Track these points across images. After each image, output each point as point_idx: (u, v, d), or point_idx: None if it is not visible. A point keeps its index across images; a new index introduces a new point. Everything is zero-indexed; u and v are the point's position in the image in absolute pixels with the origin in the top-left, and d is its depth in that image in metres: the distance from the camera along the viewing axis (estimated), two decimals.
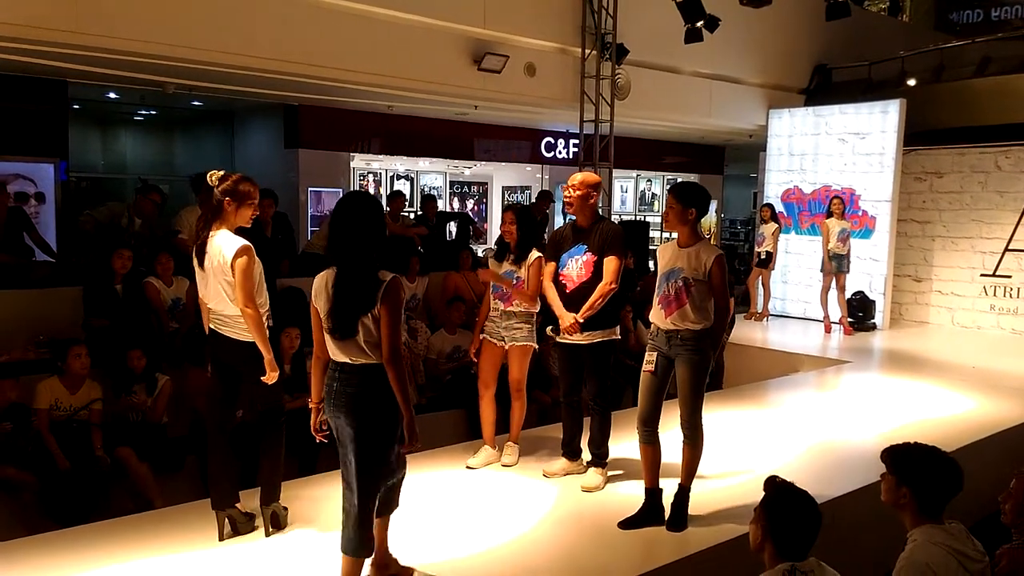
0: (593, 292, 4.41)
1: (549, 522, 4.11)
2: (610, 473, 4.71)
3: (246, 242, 3.66)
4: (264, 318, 3.66)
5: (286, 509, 3.95)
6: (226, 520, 3.78)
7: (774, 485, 2.73)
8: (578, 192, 4.49)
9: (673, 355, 3.96)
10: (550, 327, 4.59)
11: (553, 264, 4.61)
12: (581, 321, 4.40)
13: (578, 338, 4.46)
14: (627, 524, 4.00)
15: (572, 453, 4.78)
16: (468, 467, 4.84)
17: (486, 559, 3.62)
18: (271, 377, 3.68)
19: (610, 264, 4.42)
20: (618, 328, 4.63)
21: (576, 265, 4.50)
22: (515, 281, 4.80)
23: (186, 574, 3.46)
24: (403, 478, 3.32)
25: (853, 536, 4.25)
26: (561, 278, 4.55)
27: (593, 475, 4.60)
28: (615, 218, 12.80)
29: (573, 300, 4.47)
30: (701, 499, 4.19)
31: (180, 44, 7.13)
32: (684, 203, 3.92)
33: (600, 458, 4.63)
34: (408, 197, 12.28)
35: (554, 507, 4.30)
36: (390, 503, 3.30)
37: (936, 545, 2.69)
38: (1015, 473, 3.16)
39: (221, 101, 10.83)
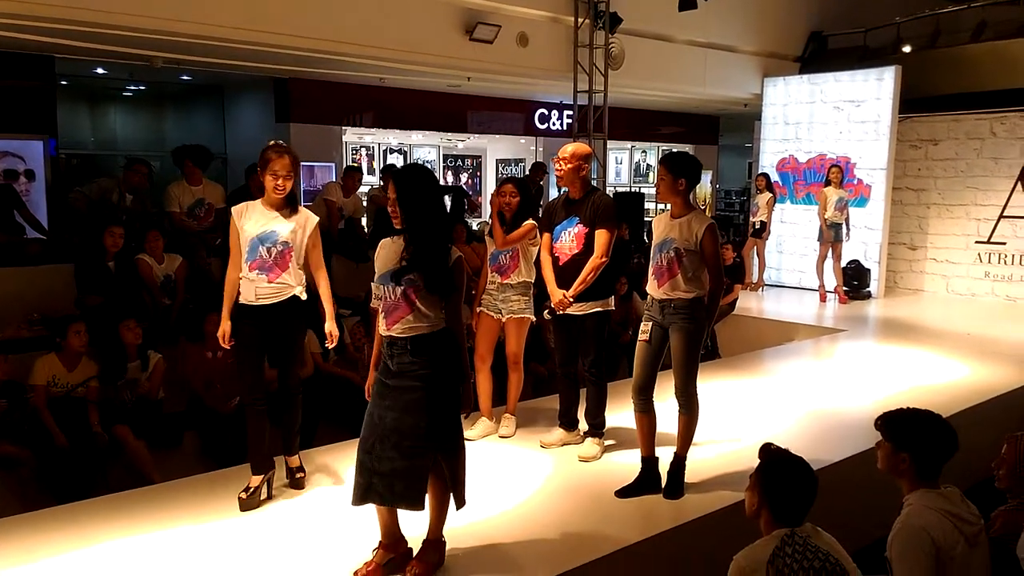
0: (585, 265, 4.38)
1: (546, 492, 4.13)
2: (607, 442, 4.74)
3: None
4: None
5: (303, 473, 4.11)
6: (266, 484, 3.94)
7: (769, 452, 2.75)
8: (569, 164, 4.43)
9: (667, 324, 3.96)
10: (546, 310, 4.55)
11: (548, 235, 4.58)
12: (571, 299, 4.39)
13: (572, 310, 4.44)
14: (624, 493, 4.03)
15: (569, 423, 4.80)
16: (465, 439, 4.84)
17: (484, 528, 3.64)
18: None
19: (601, 237, 4.38)
20: (612, 299, 4.62)
21: (568, 238, 4.46)
22: (510, 253, 4.77)
23: (185, 548, 3.48)
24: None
25: (849, 502, 4.28)
26: (554, 251, 4.52)
27: (590, 445, 4.62)
28: (609, 190, 12.75)
29: (566, 273, 4.45)
30: (697, 467, 4.21)
31: (168, 17, 7.02)
32: (674, 173, 3.91)
33: (597, 428, 4.65)
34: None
35: (551, 477, 4.33)
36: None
37: (932, 509, 2.71)
38: (1007, 438, 3.18)
39: (211, 75, 10.71)
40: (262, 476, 3.92)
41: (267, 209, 3.87)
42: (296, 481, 4.09)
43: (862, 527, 3.95)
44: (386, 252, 3.22)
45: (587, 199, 4.46)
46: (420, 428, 3.06)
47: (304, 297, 3.91)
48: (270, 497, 3.97)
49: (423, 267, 3.08)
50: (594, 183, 11.27)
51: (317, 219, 3.98)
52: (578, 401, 4.76)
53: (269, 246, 3.81)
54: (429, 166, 13.66)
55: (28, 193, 8.59)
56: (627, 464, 4.30)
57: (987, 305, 10.19)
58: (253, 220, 3.86)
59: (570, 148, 4.48)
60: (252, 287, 3.82)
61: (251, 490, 3.87)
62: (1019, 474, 3.11)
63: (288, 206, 3.89)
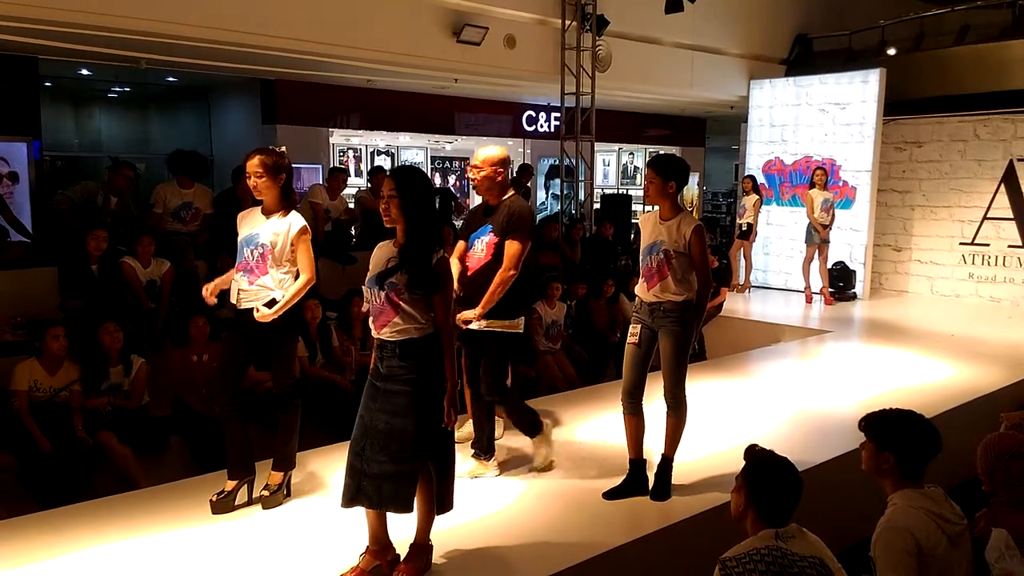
0: (495, 276, 4.05)
1: (534, 494, 4.13)
2: (595, 443, 4.74)
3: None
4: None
5: (268, 492, 3.94)
6: (245, 488, 3.91)
7: (754, 453, 2.76)
8: (482, 172, 4.09)
9: (656, 327, 3.97)
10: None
11: (463, 244, 4.29)
12: (472, 321, 4.05)
13: (474, 324, 4.08)
14: (612, 495, 4.03)
15: (482, 451, 4.40)
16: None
17: (471, 531, 3.64)
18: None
19: (510, 248, 4.02)
20: (521, 322, 4.22)
21: (480, 246, 4.15)
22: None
23: (171, 552, 3.45)
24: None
25: (834, 502, 4.30)
26: (466, 259, 4.22)
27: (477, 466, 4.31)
28: (597, 192, 12.76)
29: (473, 283, 4.14)
30: (684, 469, 4.23)
31: (152, 18, 6.99)
32: (664, 176, 3.92)
33: (484, 452, 4.34)
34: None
35: (539, 479, 4.33)
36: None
37: (915, 509, 2.73)
38: (979, 445, 3.18)
39: (196, 77, 10.65)
40: (236, 481, 3.89)
41: (259, 213, 3.89)
42: (262, 497, 3.91)
43: (847, 527, 3.97)
44: (379, 254, 3.25)
45: (501, 207, 4.12)
46: (408, 432, 3.07)
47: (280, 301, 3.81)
48: (250, 502, 3.92)
49: (406, 266, 3.10)
50: (584, 183, 11.32)
51: (303, 223, 3.86)
52: (489, 426, 4.40)
53: (252, 248, 3.83)
54: (418, 167, 13.69)
55: (11, 195, 8.49)
56: (615, 466, 4.30)
57: (971, 306, 10.28)
58: (246, 224, 3.89)
59: (482, 155, 4.14)
60: (236, 289, 3.85)
61: (223, 493, 3.86)
62: (994, 474, 3.13)
63: (280, 209, 3.86)
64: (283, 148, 3.93)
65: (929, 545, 2.66)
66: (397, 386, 3.10)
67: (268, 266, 3.79)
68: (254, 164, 3.79)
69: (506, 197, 4.13)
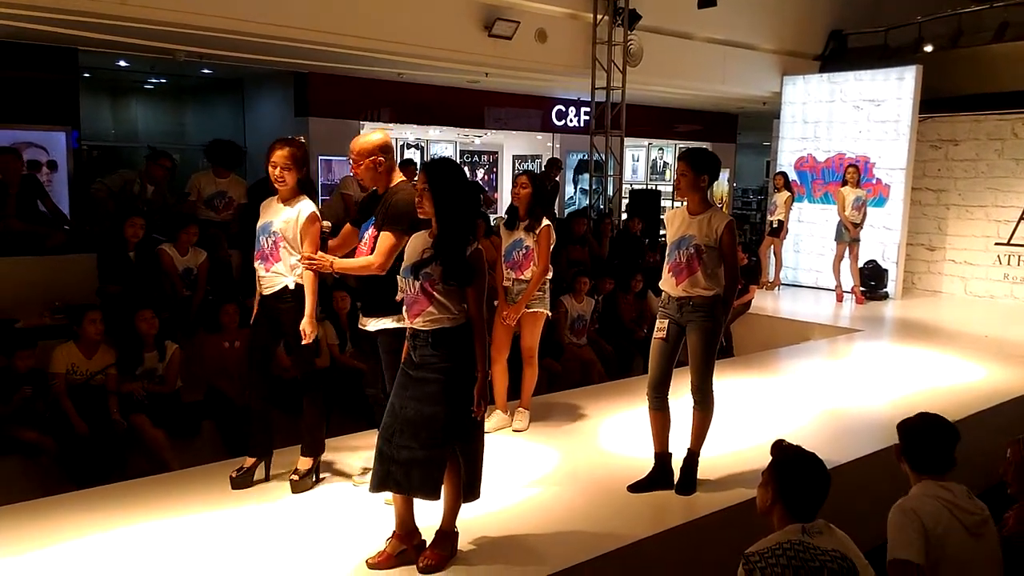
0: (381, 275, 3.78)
1: (559, 486, 4.15)
2: (620, 436, 4.73)
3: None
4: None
5: (297, 476, 4.01)
6: (262, 467, 4.06)
7: (782, 448, 2.76)
8: (359, 164, 3.80)
9: (685, 322, 3.97)
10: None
11: (355, 232, 4.05)
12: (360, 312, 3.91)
13: (367, 324, 3.88)
14: (636, 488, 4.04)
15: None
16: None
17: (497, 521, 3.67)
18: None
19: (381, 241, 3.71)
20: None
21: (366, 239, 3.90)
22: (524, 251, 4.81)
23: (200, 534, 3.53)
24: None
25: (862, 501, 4.27)
26: (357, 254, 3.97)
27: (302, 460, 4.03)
28: (625, 187, 12.73)
29: (360, 279, 3.94)
30: (710, 464, 4.22)
31: (190, 11, 7.10)
32: (697, 170, 3.91)
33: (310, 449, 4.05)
34: (418, 166, 12.26)
35: (564, 471, 4.35)
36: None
37: (928, 496, 2.82)
38: (1010, 443, 3.16)
39: (231, 69, 10.80)
40: (254, 459, 4.03)
41: (276, 202, 3.97)
42: (291, 481, 3.99)
43: (875, 526, 3.94)
44: (413, 245, 3.29)
45: (385, 197, 3.82)
46: (439, 420, 3.11)
47: (293, 287, 3.88)
48: (267, 479, 4.06)
49: (441, 257, 3.13)
50: (613, 178, 11.29)
51: (312, 210, 3.87)
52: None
53: (266, 236, 3.92)
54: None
55: (50, 184, 8.69)
56: (640, 459, 4.31)
57: (1005, 307, 10.11)
58: (266, 213, 3.99)
59: (356, 147, 3.82)
60: (257, 277, 3.98)
61: (242, 470, 4.01)
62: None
63: (294, 196, 3.92)
64: (302, 138, 3.97)
65: (938, 530, 2.72)
66: (429, 374, 3.14)
67: (280, 253, 3.87)
68: (283, 155, 3.84)
69: (392, 184, 3.83)
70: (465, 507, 3.32)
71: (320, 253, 3.79)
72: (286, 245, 3.86)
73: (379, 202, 3.82)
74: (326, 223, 3.93)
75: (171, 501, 3.84)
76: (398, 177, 3.87)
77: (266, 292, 3.94)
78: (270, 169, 3.88)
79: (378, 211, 3.78)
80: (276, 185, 3.91)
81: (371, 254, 3.75)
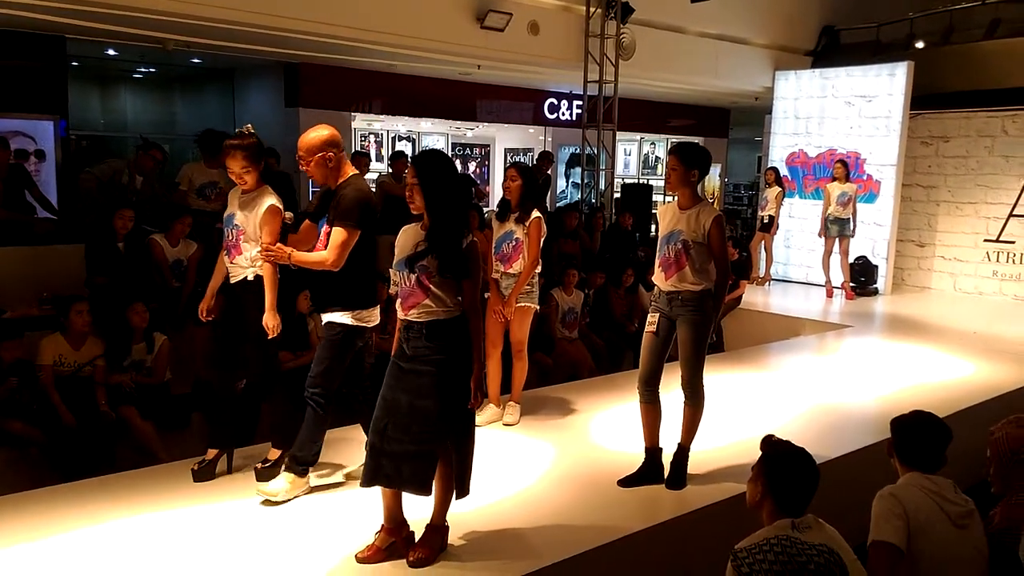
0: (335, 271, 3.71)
1: (549, 480, 4.16)
2: (611, 431, 4.74)
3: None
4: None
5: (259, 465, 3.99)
6: (224, 460, 4.04)
7: (771, 443, 2.77)
8: (308, 162, 3.71)
9: (675, 316, 3.97)
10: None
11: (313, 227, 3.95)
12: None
13: (324, 316, 3.81)
14: (627, 482, 4.05)
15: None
16: None
17: (487, 514, 3.67)
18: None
19: (333, 236, 3.63)
20: (371, 313, 3.80)
21: (322, 236, 3.79)
22: (514, 243, 4.79)
23: (190, 527, 3.51)
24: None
25: (851, 497, 4.29)
26: (316, 250, 3.84)
27: (282, 479, 3.80)
28: (617, 182, 12.72)
29: (313, 273, 3.81)
30: (700, 459, 4.23)
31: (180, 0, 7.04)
32: (687, 164, 3.91)
33: (298, 462, 3.80)
34: (410, 158, 12.23)
35: (555, 465, 4.35)
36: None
37: (912, 486, 2.86)
38: (989, 441, 3.17)
39: (221, 59, 10.72)
40: (216, 451, 4.01)
41: (240, 193, 3.94)
42: (256, 469, 3.95)
43: (864, 521, 3.96)
44: (404, 238, 3.27)
45: (338, 191, 3.73)
46: (432, 413, 3.10)
47: (252, 279, 3.83)
48: (229, 472, 4.03)
49: (436, 251, 3.12)
50: (605, 172, 11.27)
51: (272, 203, 3.82)
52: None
53: (230, 228, 3.90)
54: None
55: (38, 173, 8.62)
56: (630, 454, 4.32)
57: (994, 304, 10.17)
58: (231, 204, 3.97)
59: (303, 145, 3.71)
60: (223, 266, 3.98)
61: (203, 462, 3.99)
62: (1006, 469, 3.11)
63: (257, 187, 3.90)
64: (249, 127, 3.89)
65: (920, 517, 2.76)
66: (423, 367, 3.12)
67: (242, 245, 3.85)
68: (238, 164, 3.78)
69: (345, 179, 3.75)
70: (455, 501, 3.32)
71: (279, 244, 3.72)
72: (246, 238, 3.84)
73: (331, 198, 3.73)
74: (288, 214, 3.88)
75: (160, 493, 3.82)
76: (350, 170, 3.80)
77: (232, 281, 3.94)
78: (231, 176, 3.85)
79: (331, 206, 3.71)
80: (240, 186, 3.90)
81: (324, 249, 3.68)
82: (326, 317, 3.77)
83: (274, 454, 4.01)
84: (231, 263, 3.92)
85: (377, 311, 3.88)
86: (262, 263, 3.77)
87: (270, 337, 3.80)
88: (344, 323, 3.73)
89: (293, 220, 3.93)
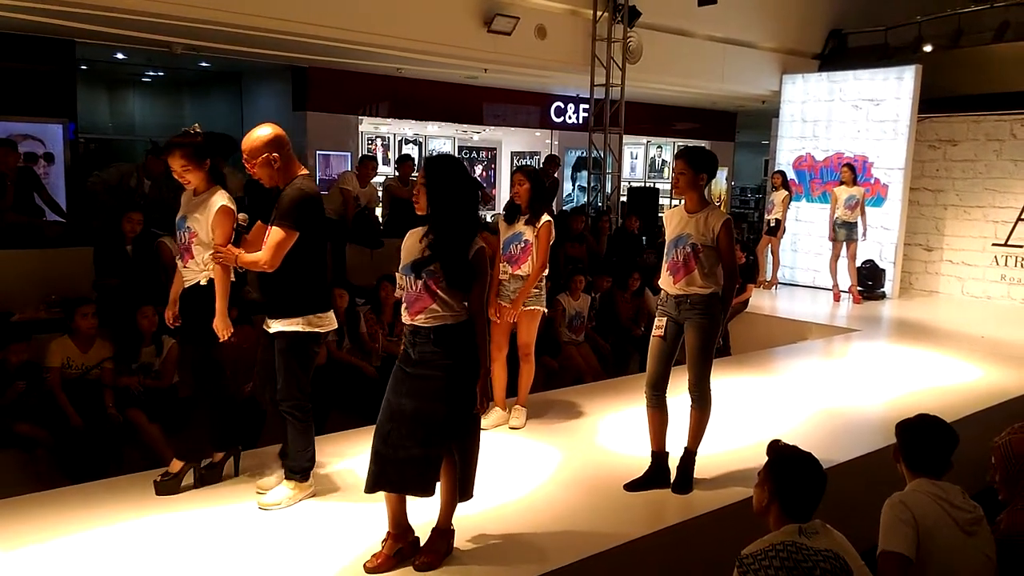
0: (283, 273, 3.63)
1: (555, 484, 4.15)
2: (617, 435, 4.72)
3: None
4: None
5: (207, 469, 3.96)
6: (191, 472, 3.91)
7: (777, 448, 2.76)
8: (252, 164, 3.61)
9: (683, 320, 3.96)
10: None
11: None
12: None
13: (270, 325, 3.71)
14: (633, 486, 4.04)
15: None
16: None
17: (493, 518, 3.66)
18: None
19: (270, 236, 3.56)
20: (325, 317, 3.71)
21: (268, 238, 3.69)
22: (522, 245, 4.80)
23: (198, 529, 3.52)
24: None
25: (859, 501, 4.27)
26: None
27: (282, 488, 3.77)
28: (624, 185, 12.72)
29: (263, 279, 3.79)
30: (707, 463, 4.21)
31: (188, 3, 7.08)
32: (695, 168, 3.91)
33: (295, 471, 3.77)
34: (416, 161, 12.26)
35: (561, 469, 4.35)
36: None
37: (920, 492, 2.85)
38: (993, 448, 3.16)
39: (229, 63, 10.77)
40: (182, 463, 3.89)
41: (190, 195, 3.82)
42: (201, 474, 3.90)
43: (872, 526, 3.95)
44: (411, 242, 3.25)
45: (281, 192, 3.64)
46: (438, 417, 3.09)
47: (205, 284, 3.72)
48: (196, 485, 3.89)
49: (443, 258, 3.11)
50: (611, 176, 11.27)
51: (221, 203, 3.70)
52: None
53: (182, 231, 3.78)
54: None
55: (47, 176, 8.68)
56: (637, 458, 4.30)
57: (1002, 308, 10.12)
58: (183, 205, 3.84)
59: (246, 148, 3.61)
60: (179, 271, 3.86)
61: (168, 476, 3.87)
62: (1013, 475, 3.09)
63: (207, 188, 3.77)
64: (196, 126, 3.80)
65: (928, 523, 2.75)
66: (429, 371, 3.11)
67: (194, 249, 3.73)
68: (177, 163, 3.67)
69: (292, 179, 3.65)
70: (460, 505, 3.31)
71: (229, 246, 3.64)
72: (198, 241, 3.72)
73: (276, 199, 3.63)
74: (242, 215, 3.79)
75: (167, 496, 3.82)
76: (300, 170, 3.70)
77: (186, 286, 3.81)
78: (174, 175, 3.76)
79: (275, 207, 3.60)
80: (185, 185, 3.79)
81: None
82: (275, 327, 3.65)
83: (216, 456, 3.97)
84: (184, 267, 3.79)
85: (331, 316, 3.77)
86: (213, 266, 3.67)
87: (221, 341, 3.68)
88: (295, 331, 3.62)
89: (247, 222, 3.78)
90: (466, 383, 3.15)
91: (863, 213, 9.72)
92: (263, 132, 3.63)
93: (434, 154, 12.05)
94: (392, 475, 3.10)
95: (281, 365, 3.66)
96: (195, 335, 3.82)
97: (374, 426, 3.22)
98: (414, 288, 3.15)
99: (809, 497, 2.62)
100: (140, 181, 7.22)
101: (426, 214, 3.19)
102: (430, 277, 3.11)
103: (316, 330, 3.68)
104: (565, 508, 3.84)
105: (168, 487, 3.83)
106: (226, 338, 3.69)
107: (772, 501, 2.65)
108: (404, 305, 3.21)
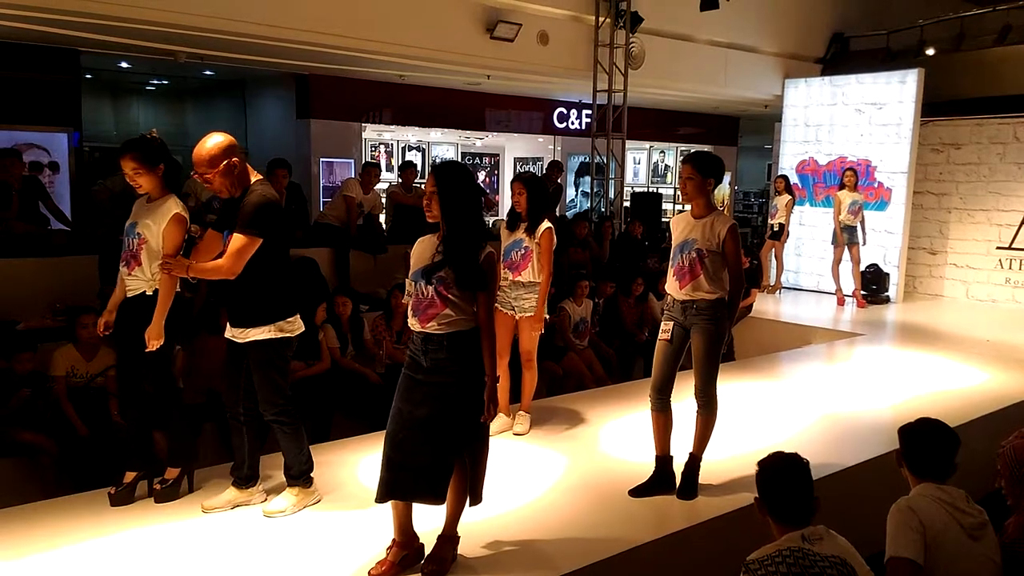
0: (247, 281, 3.58)
1: (560, 490, 4.15)
2: (621, 440, 4.72)
3: None
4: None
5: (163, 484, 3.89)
6: (144, 483, 3.87)
7: (760, 462, 2.78)
8: (208, 175, 3.52)
9: (689, 325, 3.96)
10: None
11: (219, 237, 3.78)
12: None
13: (233, 335, 3.65)
14: (638, 492, 4.03)
15: (241, 480, 3.81)
16: None
17: (497, 525, 3.66)
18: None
19: (232, 243, 3.49)
20: (291, 323, 3.66)
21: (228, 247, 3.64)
22: (523, 251, 4.80)
23: (205, 536, 3.52)
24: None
25: (864, 506, 4.26)
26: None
27: (285, 496, 3.78)
28: (627, 190, 12.72)
29: (222, 287, 3.73)
30: (711, 469, 4.21)
31: (191, 12, 7.11)
32: (703, 173, 3.91)
33: (296, 476, 3.78)
34: (419, 168, 12.28)
35: (565, 475, 4.34)
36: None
37: (926, 497, 2.84)
38: (999, 454, 3.15)
39: (233, 71, 10.81)
40: (135, 473, 3.84)
41: (143, 201, 3.76)
42: (154, 491, 3.84)
43: (877, 531, 3.94)
44: (421, 249, 3.25)
45: (240, 199, 3.59)
46: (452, 424, 3.09)
47: (151, 294, 3.65)
48: (151, 496, 3.84)
49: (454, 263, 3.11)
50: (614, 181, 11.28)
51: (175, 211, 3.65)
52: (256, 450, 3.84)
53: (131, 238, 3.70)
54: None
55: (52, 185, 8.71)
56: (641, 463, 4.30)
57: (1007, 312, 10.09)
58: (134, 212, 3.77)
59: (197, 160, 3.52)
60: (120, 278, 3.77)
61: (123, 487, 3.81)
62: (1018, 479, 3.08)
63: (161, 195, 3.71)
64: (153, 132, 3.74)
65: (935, 528, 2.74)
66: (444, 378, 3.10)
67: (142, 256, 3.65)
68: (129, 167, 3.59)
69: (250, 185, 3.62)
70: (466, 511, 3.31)
71: (179, 256, 3.60)
72: (148, 249, 3.64)
73: (235, 206, 3.57)
74: (194, 226, 3.70)
75: (173, 504, 3.83)
76: (255, 176, 3.66)
77: (128, 295, 3.72)
78: (126, 178, 3.69)
79: (237, 214, 3.53)
80: (138, 191, 3.72)
81: None
82: (247, 336, 3.59)
83: (172, 473, 3.89)
84: (129, 275, 3.69)
85: (299, 319, 3.72)
86: (160, 275, 3.60)
87: (147, 350, 3.62)
88: (268, 339, 3.59)
89: (200, 233, 3.70)
90: (476, 390, 3.14)
91: (863, 218, 9.73)
92: (218, 139, 3.55)
93: (441, 161, 12.07)
94: (406, 482, 3.09)
95: (259, 376, 3.62)
96: (133, 347, 3.69)
97: (377, 433, 3.22)
98: (425, 294, 3.14)
99: (793, 500, 2.62)
100: None
101: (437, 221, 3.18)
102: (440, 283, 3.11)
103: (288, 335, 3.65)
104: (570, 514, 3.84)
105: (167, 495, 3.82)
106: (154, 348, 3.62)
107: (764, 512, 2.68)
108: (411, 312, 3.20)
